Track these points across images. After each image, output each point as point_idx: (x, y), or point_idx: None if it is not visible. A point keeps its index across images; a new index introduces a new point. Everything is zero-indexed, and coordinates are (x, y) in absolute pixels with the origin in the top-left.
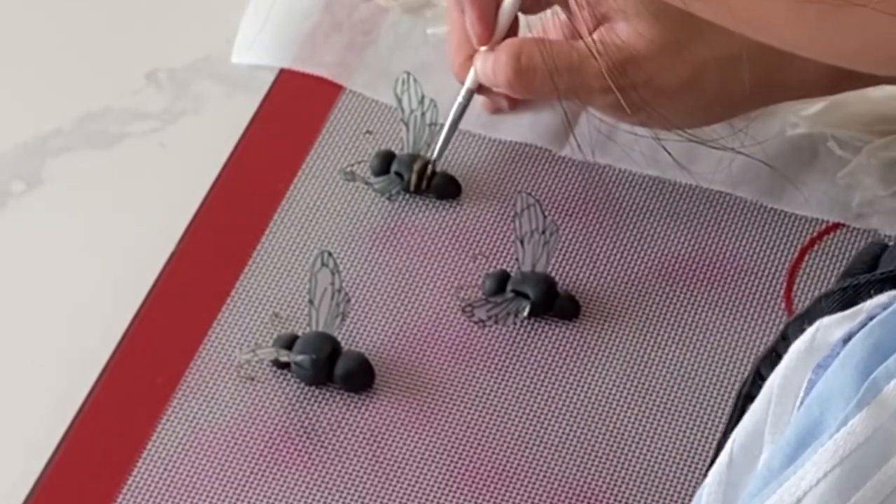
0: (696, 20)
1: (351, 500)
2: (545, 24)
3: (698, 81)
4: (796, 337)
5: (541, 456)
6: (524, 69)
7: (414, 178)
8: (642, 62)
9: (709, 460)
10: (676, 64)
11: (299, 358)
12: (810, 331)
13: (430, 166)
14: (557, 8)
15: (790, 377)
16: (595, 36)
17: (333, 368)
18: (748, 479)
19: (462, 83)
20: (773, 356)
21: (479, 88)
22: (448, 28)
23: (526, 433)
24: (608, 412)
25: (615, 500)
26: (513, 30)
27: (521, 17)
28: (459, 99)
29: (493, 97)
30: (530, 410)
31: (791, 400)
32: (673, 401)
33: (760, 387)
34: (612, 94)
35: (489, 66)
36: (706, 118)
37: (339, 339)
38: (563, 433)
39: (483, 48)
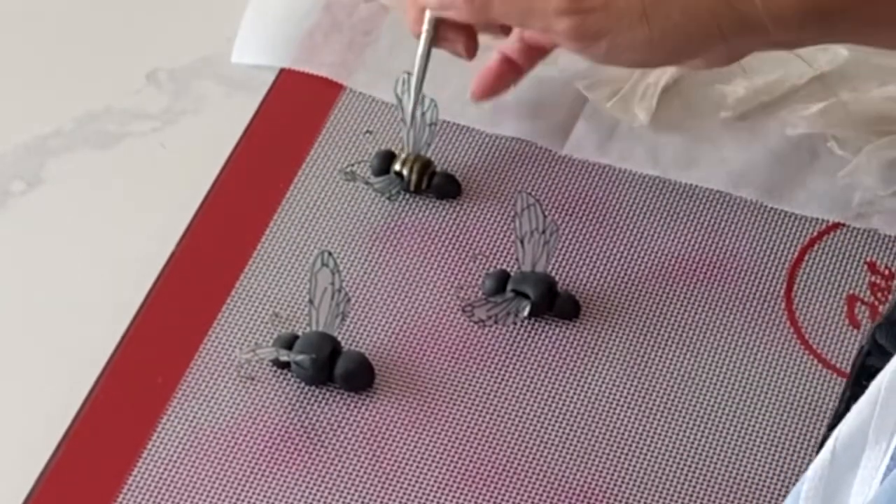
0: None
1: (351, 500)
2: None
3: (659, 9)
4: (884, 341)
5: (541, 456)
6: None
7: (414, 177)
8: None
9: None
10: None
11: (299, 358)
12: None
13: (431, 167)
14: None
15: None
16: None
17: (333, 368)
18: (849, 477)
19: (416, 36)
20: (887, 324)
21: (437, 33)
22: None
23: (526, 433)
24: (608, 412)
25: (615, 500)
26: None
27: None
28: (420, 46)
29: (451, 46)
30: (530, 410)
31: None
32: (673, 401)
33: (878, 356)
34: (569, 17)
35: None
36: (666, 52)
37: (339, 339)
38: (563, 433)
39: None
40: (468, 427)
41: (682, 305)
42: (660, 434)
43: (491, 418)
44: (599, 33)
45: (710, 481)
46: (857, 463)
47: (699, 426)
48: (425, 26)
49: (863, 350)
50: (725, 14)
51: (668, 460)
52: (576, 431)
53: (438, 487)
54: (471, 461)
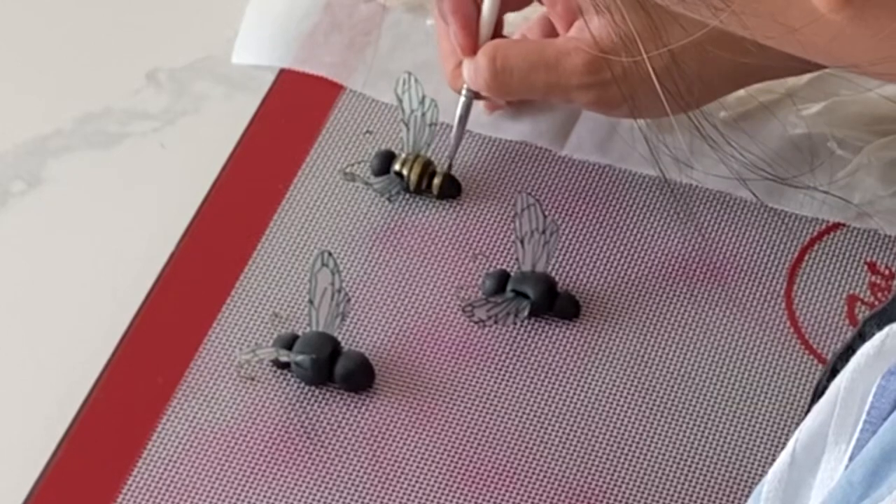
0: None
1: (351, 500)
2: (529, 27)
3: (677, 66)
4: (873, 334)
5: (541, 456)
6: (500, 70)
7: (414, 177)
8: (619, 53)
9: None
10: (654, 51)
11: (299, 358)
12: (880, 336)
13: (431, 167)
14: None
15: (857, 380)
16: (572, 31)
17: (333, 368)
18: (809, 479)
19: (456, 91)
20: (849, 353)
21: (476, 94)
22: (437, 40)
23: (526, 433)
24: (608, 412)
25: (615, 500)
26: (497, 36)
27: (508, 23)
28: (458, 110)
29: (491, 99)
30: (530, 410)
31: (857, 403)
32: (673, 401)
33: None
34: (591, 90)
35: (471, 71)
36: (687, 103)
37: (339, 339)
38: (563, 433)
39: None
40: (468, 427)
41: (682, 305)
42: (660, 434)
43: (491, 418)
44: (621, 100)
45: (710, 481)
46: (817, 465)
47: (699, 426)
48: (464, 92)
49: (822, 377)
50: (741, 64)
51: (668, 460)
52: (576, 431)
53: (438, 487)
54: (471, 461)
